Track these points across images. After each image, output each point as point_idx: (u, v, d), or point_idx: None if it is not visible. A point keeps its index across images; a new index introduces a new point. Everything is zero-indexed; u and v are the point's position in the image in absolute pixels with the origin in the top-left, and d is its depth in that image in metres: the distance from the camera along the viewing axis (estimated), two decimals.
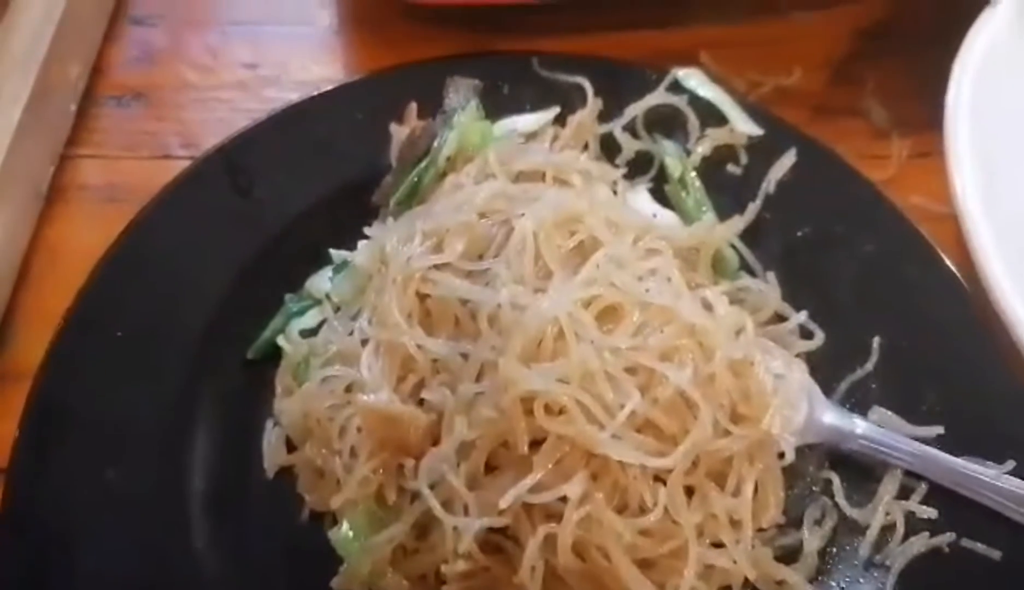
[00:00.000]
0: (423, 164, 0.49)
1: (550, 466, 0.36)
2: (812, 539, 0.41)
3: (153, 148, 0.58)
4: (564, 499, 0.36)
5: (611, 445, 0.36)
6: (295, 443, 0.43)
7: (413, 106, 0.53)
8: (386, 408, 0.38)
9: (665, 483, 0.38)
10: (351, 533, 0.38)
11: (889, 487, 0.42)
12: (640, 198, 0.51)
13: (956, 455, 0.41)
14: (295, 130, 0.52)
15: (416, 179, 0.48)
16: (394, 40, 0.61)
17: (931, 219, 0.52)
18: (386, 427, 0.38)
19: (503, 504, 0.35)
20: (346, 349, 0.42)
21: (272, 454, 0.43)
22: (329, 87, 0.55)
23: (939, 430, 0.42)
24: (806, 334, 0.47)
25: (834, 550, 0.42)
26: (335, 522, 0.40)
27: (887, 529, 0.41)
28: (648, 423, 0.38)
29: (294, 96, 0.56)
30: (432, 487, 0.37)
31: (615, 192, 0.50)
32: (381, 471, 0.39)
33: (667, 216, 0.50)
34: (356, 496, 0.38)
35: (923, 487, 0.42)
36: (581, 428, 0.36)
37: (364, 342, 0.42)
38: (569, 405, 0.36)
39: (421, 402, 0.40)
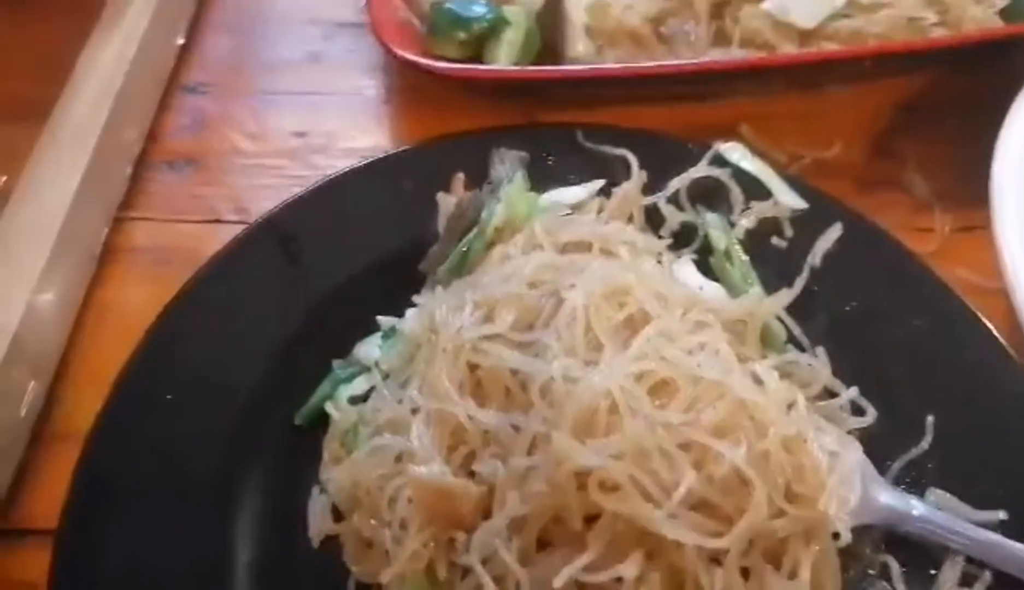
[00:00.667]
0: (472, 234, 0.49)
1: (604, 544, 0.36)
2: None
3: (204, 212, 0.59)
4: (619, 580, 0.35)
5: (667, 524, 0.36)
6: (342, 512, 0.43)
7: (460, 176, 0.54)
8: (438, 480, 0.38)
9: (720, 564, 0.37)
10: None
11: (950, 574, 0.41)
12: (686, 270, 0.51)
13: (1020, 540, 0.40)
14: (344, 198, 0.53)
15: (465, 249, 0.49)
16: (440, 111, 0.62)
17: (977, 293, 0.51)
18: (437, 499, 0.38)
19: (557, 583, 0.35)
20: (396, 417, 0.42)
21: (318, 522, 0.43)
22: (377, 156, 0.57)
23: (1002, 515, 0.41)
24: (857, 410, 0.46)
25: None
26: None
27: None
28: (703, 502, 0.37)
29: (342, 164, 0.57)
30: (484, 562, 0.37)
31: (660, 263, 0.50)
32: (432, 544, 0.38)
33: (713, 288, 0.50)
34: (406, 570, 0.38)
35: (987, 576, 0.40)
36: (636, 506, 0.36)
37: (414, 411, 0.42)
38: (624, 482, 0.36)
39: (472, 474, 0.39)
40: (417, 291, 0.50)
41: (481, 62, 0.61)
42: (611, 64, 0.61)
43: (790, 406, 0.42)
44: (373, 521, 0.40)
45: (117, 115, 0.58)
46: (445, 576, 0.38)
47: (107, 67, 0.60)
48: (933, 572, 0.41)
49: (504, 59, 0.60)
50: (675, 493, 0.36)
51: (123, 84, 0.59)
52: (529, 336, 0.42)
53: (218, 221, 0.58)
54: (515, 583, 0.36)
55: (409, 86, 0.66)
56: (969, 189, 0.54)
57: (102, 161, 0.56)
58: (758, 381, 0.42)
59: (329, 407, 0.45)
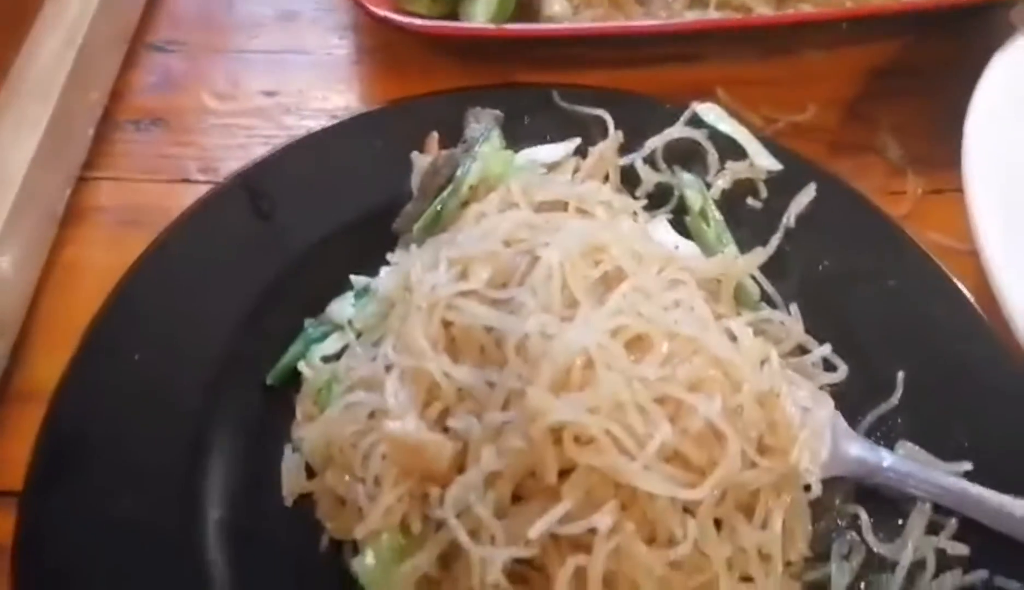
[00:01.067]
0: (446, 193, 0.49)
1: (579, 496, 0.36)
2: (840, 574, 0.41)
3: (171, 172, 0.58)
4: (593, 531, 0.35)
5: (641, 476, 0.36)
6: (315, 470, 0.42)
7: (435, 135, 0.53)
8: (412, 436, 0.38)
9: (694, 515, 0.37)
10: (374, 562, 0.38)
11: (918, 523, 0.41)
12: (661, 229, 0.51)
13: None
14: (317, 156, 0.52)
15: (439, 207, 0.48)
16: (412, 72, 0.62)
17: (948, 254, 0.52)
18: (411, 455, 0.38)
19: (532, 534, 0.35)
20: (369, 375, 0.42)
21: (291, 481, 0.42)
22: (350, 115, 0.56)
23: (967, 466, 0.42)
24: (829, 367, 0.46)
25: (862, 586, 0.41)
26: (355, 550, 0.39)
27: (917, 565, 0.40)
28: (676, 454, 0.37)
29: (312, 124, 0.56)
30: (458, 516, 0.36)
31: (636, 222, 0.50)
32: (406, 499, 0.38)
33: (688, 247, 0.50)
34: (380, 525, 0.38)
35: (953, 523, 0.41)
36: (611, 459, 0.36)
37: (388, 368, 0.41)
38: (599, 435, 0.36)
39: (446, 430, 0.39)
40: (391, 250, 0.49)
41: (455, 21, 0.60)
42: (588, 23, 0.60)
43: (763, 362, 0.42)
44: (347, 477, 0.40)
45: (79, 72, 0.57)
46: (420, 530, 0.38)
47: (68, 23, 0.58)
48: (901, 522, 0.42)
49: (480, 17, 0.59)
50: (649, 445, 0.36)
51: (85, 41, 0.57)
52: (505, 293, 0.42)
53: (186, 181, 0.57)
54: (490, 536, 0.36)
55: (381, 46, 0.65)
56: (941, 152, 0.54)
57: (63, 119, 0.55)
58: (732, 338, 0.42)
59: (302, 366, 0.45)
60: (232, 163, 0.55)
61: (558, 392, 0.37)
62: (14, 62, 0.55)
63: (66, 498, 0.40)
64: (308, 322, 0.47)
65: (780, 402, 0.41)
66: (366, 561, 0.38)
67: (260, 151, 0.54)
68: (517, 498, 0.37)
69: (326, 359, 0.45)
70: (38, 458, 0.41)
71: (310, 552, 0.41)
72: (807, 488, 0.41)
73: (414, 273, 0.43)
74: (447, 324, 0.41)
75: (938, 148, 0.55)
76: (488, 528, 0.36)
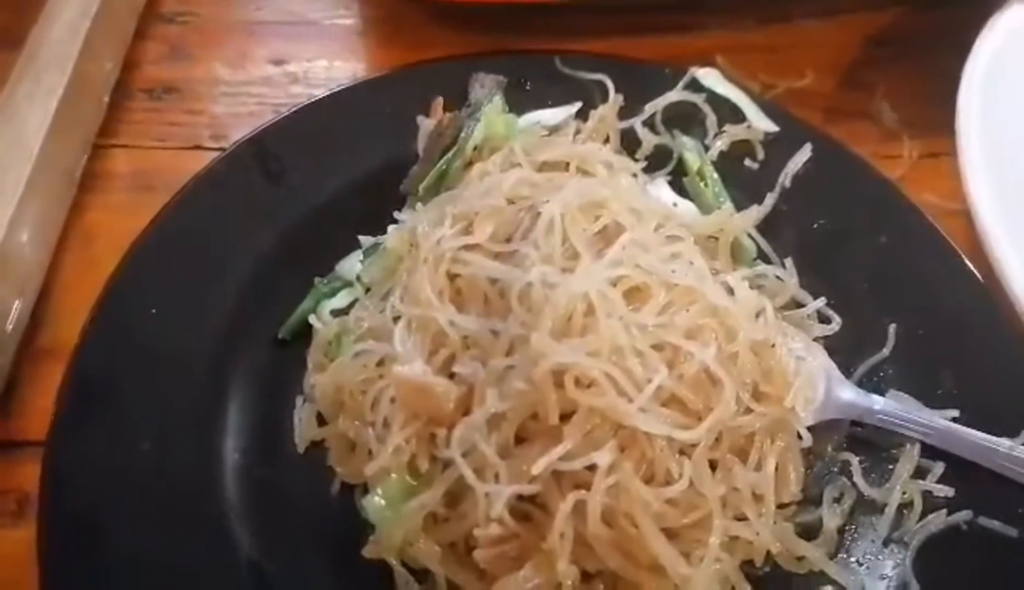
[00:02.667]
0: (450, 154, 0.50)
1: (580, 436, 0.37)
2: (831, 517, 0.42)
3: (183, 139, 0.59)
4: (593, 468, 0.37)
5: (639, 417, 0.37)
6: (326, 418, 0.44)
7: (440, 100, 0.54)
8: (420, 379, 0.39)
9: (690, 457, 0.39)
10: (383, 501, 0.39)
11: (906, 467, 0.43)
12: (660, 188, 0.52)
13: None
14: (325, 121, 0.54)
15: (444, 167, 0.50)
16: (416, 41, 0.63)
17: (942, 215, 0.53)
18: (419, 398, 0.39)
19: (535, 470, 0.36)
20: (378, 326, 0.43)
21: (303, 429, 0.44)
22: (356, 82, 0.57)
23: (954, 413, 0.44)
24: (823, 320, 0.48)
25: (853, 528, 0.42)
26: (366, 493, 0.41)
27: (904, 507, 0.42)
28: (673, 398, 0.39)
29: (320, 92, 0.57)
30: (464, 456, 0.38)
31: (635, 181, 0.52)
32: (414, 440, 0.40)
33: (686, 206, 0.51)
34: (389, 465, 0.39)
35: (939, 467, 0.43)
36: (611, 400, 0.37)
37: (396, 319, 0.43)
38: (599, 378, 0.37)
39: (452, 376, 0.41)
40: (398, 211, 0.51)
41: None
42: None
43: (759, 314, 0.43)
44: (357, 422, 0.42)
45: (93, 42, 0.58)
46: (427, 469, 0.40)
47: None
48: (890, 467, 0.43)
49: None
50: (647, 388, 0.38)
51: (98, 11, 0.59)
52: (508, 247, 0.44)
53: (198, 147, 0.59)
54: (494, 474, 0.38)
55: (385, 17, 0.66)
56: (936, 117, 0.55)
57: (79, 87, 0.56)
58: (729, 290, 0.43)
59: (312, 319, 0.46)
60: (242, 130, 0.56)
61: (559, 338, 0.38)
62: (30, 32, 0.57)
63: (88, 446, 0.42)
64: (318, 279, 0.49)
65: (775, 351, 0.42)
66: (375, 500, 0.39)
67: (269, 118, 0.55)
68: (520, 440, 0.39)
69: (335, 313, 0.47)
70: (61, 408, 0.43)
71: (323, 496, 0.43)
72: (800, 438, 0.42)
73: (420, 228, 0.45)
74: (452, 276, 0.43)
75: (933, 113, 0.56)
76: (492, 466, 0.38)
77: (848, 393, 0.44)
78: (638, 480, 0.37)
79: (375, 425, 0.41)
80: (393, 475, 0.40)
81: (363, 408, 0.41)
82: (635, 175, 0.52)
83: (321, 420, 0.45)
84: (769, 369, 0.42)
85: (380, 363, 0.42)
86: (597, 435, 0.38)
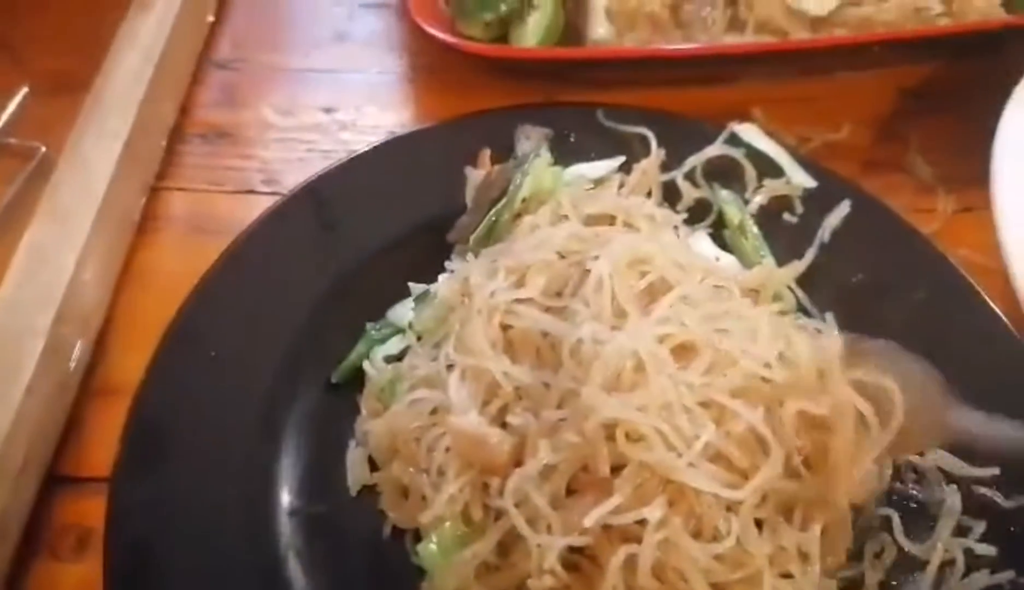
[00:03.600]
0: (500, 205, 0.52)
1: (630, 490, 0.38)
2: (873, 573, 0.43)
3: (237, 183, 0.61)
4: (643, 522, 0.38)
5: (688, 472, 0.38)
6: (378, 463, 0.46)
7: (487, 151, 0.56)
8: (475, 429, 0.41)
9: (737, 514, 0.40)
10: (437, 549, 0.40)
11: (947, 525, 0.43)
12: (702, 242, 0.53)
13: (1011, 497, 0.43)
14: (377, 170, 0.55)
15: (494, 218, 0.51)
16: (463, 90, 0.65)
17: (978, 271, 0.54)
18: (473, 447, 0.41)
19: (587, 522, 0.37)
20: (431, 374, 0.45)
21: (356, 472, 0.46)
22: (406, 131, 0.59)
23: (995, 471, 0.44)
24: None
25: (894, 584, 0.43)
26: (416, 539, 0.42)
27: (947, 565, 0.43)
28: (720, 455, 0.40)
29: (368, 139, 0.60)
30: (516, 506, 0.39)
31: (677, 235, 0.53)
32: (468, 489, 0.41)
33: (728, 259, 0.52)
34: (444, 512, 0.41)
35: (981, 526, 0.43)
36: (660, 455, 0.38)
37: (449, 368, 0.44)
38: (648, 433, 0.39)
39: (504, 426, 0.42)
40: (446, 260, 0.52)
41: (506, 43, 0.64)
42: (631, 46, 0.63)
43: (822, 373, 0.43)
44: (411, 469, 0.43)
45: (154, 88, 0.60)
46: (480, 518, 0.41)
47: (144, 42, 0.62)
48: (931, 524, 0.44)
49: (530, 40, 0.62)
50: (695, 444, 0.39)
51: (159, 59, 0.61)
52: (558, 302, 0.45)
53: (251, 192, 0.61)
54: (546, 525, 0.39)
55: (431, 66, 0.68)
56: (970, 170, 0.56)
57: (141, 132, 0.59)
58: (790, 343, 0.43)
59: (366, 365, 0.48)
60: (293, 176, 0.59)
61: (610, 392, 0.40)
62: (95, 77, 0.59)
63: (150, 484, 0.44)
64: (370, 325, 0.50)
65: (833, 423, 0.41)
66: (429, 547, 0.41)
67: (319, 164, 0.57)
68: (571, 491, 0.40)
69: (388, 359, 0.48)
70: (125, 446, 0.44)
71: (374, 540, 0.44)
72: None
73: (473, 279, 0.46)
74: (505, 328, 0.44)
75: (968, 166, 0.57)
76: (545, 517, 0.39)
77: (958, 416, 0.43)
78: (687, 536, 0.38)
79: (429, 472, 0.42)
80: (447, 523, 0.41)
81: (417, 455, 0.43)
82: (677, 228, 0.53)
83: (373, 465, 0.46)
84: (823, 444, 0.41)
85: (434, 411, 0.44)
86: (647, 489, 0.39)
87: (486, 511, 0.41)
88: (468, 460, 0.41)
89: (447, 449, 0.42)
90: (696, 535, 0.39)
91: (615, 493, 0.38)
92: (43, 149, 0.59)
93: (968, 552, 0.43)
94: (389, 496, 0.44)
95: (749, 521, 0.40)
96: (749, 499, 0.39)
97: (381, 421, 0.45)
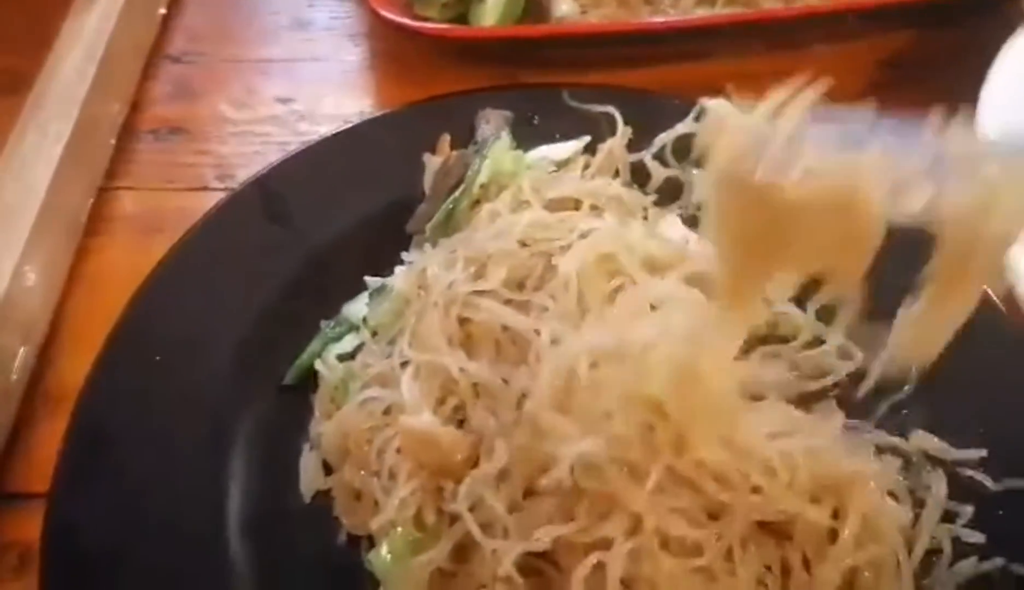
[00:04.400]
0: (458, 192, 0.49)
1: (590, 515, 0.36)
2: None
3: (190, 180, 0.59)
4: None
5: (647, 503, 0.35)
6: (332, 466, 0.43)
7: (446, 137, 0.54)
8: (427, 429, 0.38)
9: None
10: (389, 556, 0.38)
11: (933, 512, 0.41)
12: (672, 225, 0.51)
13: (998, 478, 0.41)
14: (330, 160, 0.53)
15: (451, 206, 0.49)
16: (424, 76, 0.62)
17: None
18: (426, 449, 0.39)
19: (541, 537, 0.35)
20: (384, 372, 0.43)
21: (309, 478, 0.43)
22: (363, 119, 0.56)
23: (982, 453, 0.42)
24: (844, 355, 0.46)
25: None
26: (372, 545, 0.40)
27: (934, 553, 0.40)
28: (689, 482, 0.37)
29: (327, 130, 0.57)
30: (471, 509, 0.37)
31: (646, 218, 0.51)
32: (420, 493, 0.39)
33: (699, 241, 0.50)
34: (395, 518, 0.38)
35: (968, 510, 0.41)
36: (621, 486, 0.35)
37: (403, 365, 0.42)
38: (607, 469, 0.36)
39: (461, 424, 0.40)
40: (404, 251, 0.50)
41: (465, 24, 0.61)
42: (597, 22, 0.61)
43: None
44: (362, 472, 0.41)
45: (100, 85, 0.58)
46: (433, 523, 0.38)
47: (88, 37, 0.60)
48: (916, 511, 0.42)
49: (489, 20, 0.59)
50: (652, 476, 0.36)
51: (104, 54, 0.59)
52: (520, 295, 0.43)
53: (205, 188, 0.58)
54: (503, 529, 0.37)
55: (392, 52, 0.66)
56: None
57: (86, 131, 0.56)
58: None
59: (319, 365, 0.46)
60: (249, 170, 0.56)
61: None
62: (37, 76, 0.57)
63: (92, 498, 0.41)
64: (324, 322, 0.48)
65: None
66: (381, 554, 0.38)
67: (276, 157, 0.55)
68: (530, 493, 0.38)
69: (342, 357, 0.46)
70: (64, 460, 0.42)
71: (329, 547, 0.42)
72: None
73: (430, 271, 0.44)
74: (463, 321, 0.42)
75: None
76: (500, 521, 0.37)
77: None
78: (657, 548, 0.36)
79: (380, 475, 0.40)
80: (399, 529, 0.38)
81: (369, 457, 0.41)
82: (646, 209, 0.51)
83: (328, 468, 0.44)
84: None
85: (387, 411, 0.41)
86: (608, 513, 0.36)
87: (440, 516, 0.39)
88: (420, 462, 0.39)
89: (398, 450, 0.39)
90: (665, 545, 0.36)
91: (575, 519, 0.36)
92: None
93: (955, 540, 0.40)
94: (342, 501, 0.42)
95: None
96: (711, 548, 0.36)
97: (332, 422, 0.43)
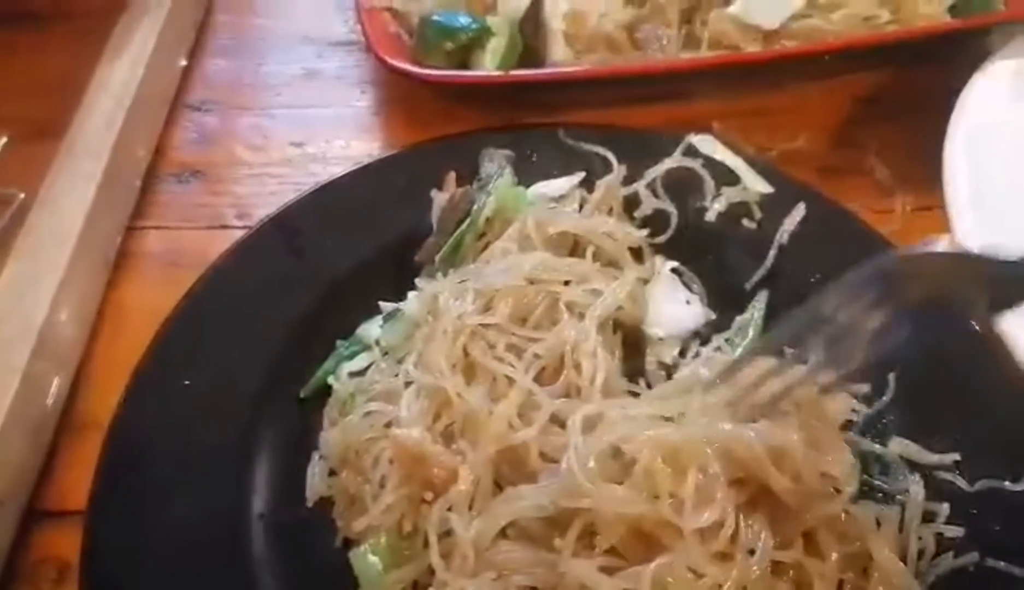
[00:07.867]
0: (464, 225, 0.53)
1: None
2: None
3: (210, 219, 0.63)
4: None
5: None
6: (336, 473, 0.46)
7: (452, 174, 0.58)
8: (416, 444, 0.41)
9: None
10: (371, 557, 0.41)
11: (915, 513, 0.44)
12: (671, 288, 0.54)
13: (971, 481, 0.44)
14: (344, 198, 0.57)
15: (459, 239, 0.53)
16: (428, 119, 0.66)
17: None
18: (413, 462, 0.42)
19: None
20: (389, 388, 0.46)
21: (315, 483, 0.46)
22: (373, 159, 0.60)
23: (955, 457, 0.45)
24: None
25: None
26: None
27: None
28: None
29: (338, 170, 0.61)
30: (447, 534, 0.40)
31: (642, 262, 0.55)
32: (404, 501, 0.42)
33: (696, 306, 0.53)
34: (379, 522, 0.41)
35: (945, 508, 0.44)
36: None
37: (407, 384, 0.45)
38: None
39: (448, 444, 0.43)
40: (414, 280, 0.53)
41: (467, 70, 0.65)
42: (590, 66, 0.65)
43: None
44: (358, 478, 0.44)
45: (127, 132, 0.62)
46: (413, 533, 0.41)
47: (117, 88, 0.64)
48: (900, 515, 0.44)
49: (490, 66, 0.64)
50: None
51: (132, 103, 0.63)
52: (522, 331, 0.47)
53: (224, 227, 0.62)
54: (462, 556, 0.39)
55: (398, 98, 0.70)
56: (927, 172, 0.57)
57: (114, 174, 0.60)
58: None
59: (331, 379, 0.49)
60: (265, 209, 0.60)
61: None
62: (71, 123, 0.61)
63: (125, 515, 0.44)
64: (339, 342, 0.51)
65: None
66: (363, 555, 0.41)
67: (290, 197, 0.59)
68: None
69: (353, 374, 0.49)
70: (99, 478, 0.45)
71: (328, 550, 0.45)
72: None
73: (442, 299, 0.47)
74: (468, 352, 0.45)
75: (924, 168, 0.58)
76: (461, 551, 0.39)
77: None
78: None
79: (372, 482, 0.43)
80: (383, 535, 0.41)
81: (365, 465, 0.44)
82: (642, 250, 0.55)
83: (334, 475, 0.46)
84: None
85: (388, 424, 0.44)
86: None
87: (416, 531, 0.41)
88: (408, 473, 0.42)
89: (391, 461, 0.42)
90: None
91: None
92: (21, 196, 0.60)
93: (938, 536, 0.43)
94: (340, 506, 0.45)
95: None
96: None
97: (336, 430, 0.46)
